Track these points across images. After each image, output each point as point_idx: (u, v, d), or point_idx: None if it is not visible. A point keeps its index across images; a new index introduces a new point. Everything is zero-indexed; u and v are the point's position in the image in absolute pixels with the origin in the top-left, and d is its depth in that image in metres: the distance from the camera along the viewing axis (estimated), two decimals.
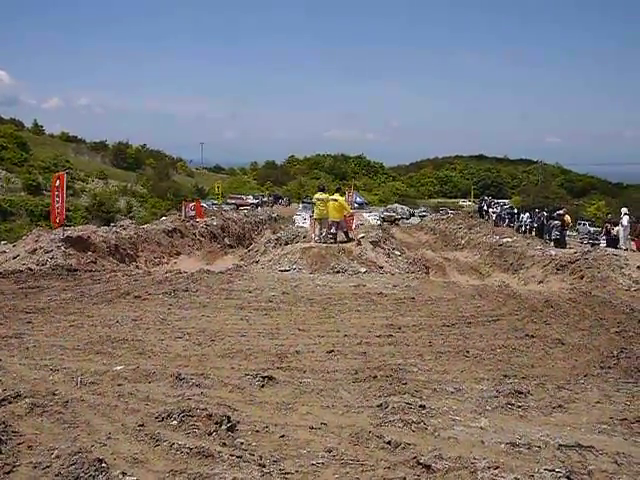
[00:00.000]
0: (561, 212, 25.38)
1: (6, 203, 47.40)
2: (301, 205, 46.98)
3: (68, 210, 22.75)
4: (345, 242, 16.75)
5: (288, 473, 3.64)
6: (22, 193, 52.58)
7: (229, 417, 4.31)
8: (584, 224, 31.08)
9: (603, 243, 24.35)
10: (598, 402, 5.16)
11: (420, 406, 4.79)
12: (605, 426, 4.56)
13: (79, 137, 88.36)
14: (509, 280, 16.52)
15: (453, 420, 4.59)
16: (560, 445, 4.08)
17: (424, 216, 56.73)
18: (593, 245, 24.57)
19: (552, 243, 23.76)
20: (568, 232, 26.95)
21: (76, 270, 13.20)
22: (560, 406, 5.00)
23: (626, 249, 19.70)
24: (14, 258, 14.49)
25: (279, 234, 23.76)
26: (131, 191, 64.42)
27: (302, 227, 21.14)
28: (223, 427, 4.17)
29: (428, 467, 3.70)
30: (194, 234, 24.47)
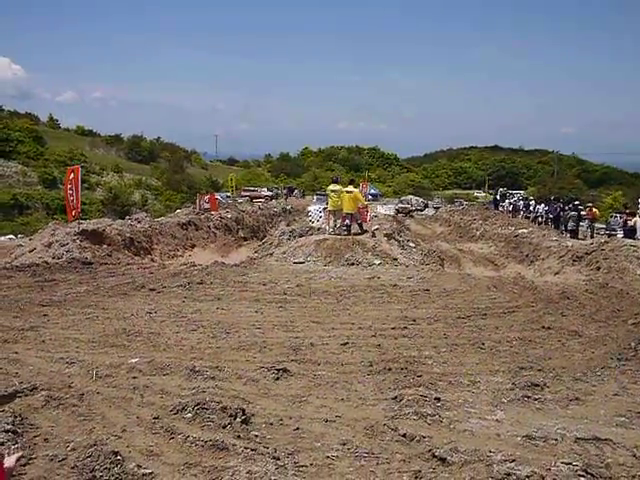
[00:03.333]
0: (577, 203, 25.16)
1: (22, 197, 47.75)
2: (315, 197, 46.67)
3: (83, 203, 22.90)
4: (359, 234, 16.71)
5: (303, 466, 3.63)
6: (38, 187, 52.96)
7: (244, 410, 4.31)
8: (616, 216, 30.29)
9: (620, 234, 24.10)
10: (616, 394, 5.11)
11: (435, 399, 4.77)
12: (623, 419, 4.52)
13: (94, 131, 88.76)
14: (525, 272, 16.41)
15: (468, 413, 4.56)
16: (577, 438, 4.04)
17: (439, 207, 56.50)
18: (610, 236, 24.31)
19: (568, 234, 23.57)
20: (597, 224, 26.57)
21: (91, 263, 13.28)
22: (577, 399, 4.96)
23: None
24: (30, 251, 14.59)
25: (293, 226, 23.75)
26: (146, 184, 64.62)
27: (318, 223, 20.98)
28: (237, 420, 4.17)
29: (443, 460, 3.68)
30: (208, 227, 24.52)
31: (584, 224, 25.25)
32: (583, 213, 25.29)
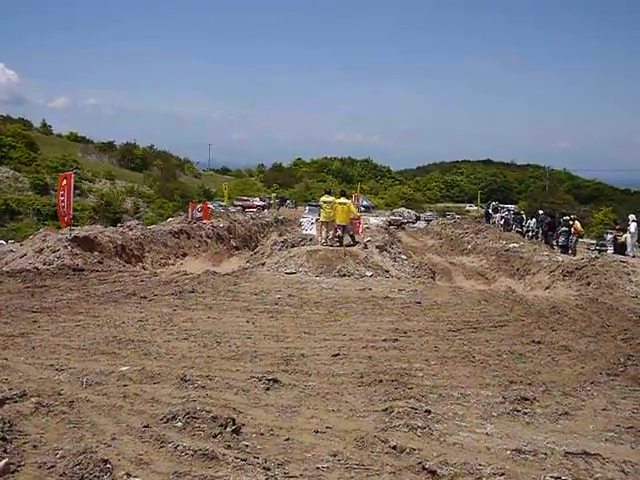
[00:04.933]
0: (568, 218, 25.25)
1: (14, 202, 47.61)
2: (307, 208, 46.60)
3: (75, 210, 22.79)
4: (351, 245, 16.74)
5: (293, 477, 3.63)
6: (30, 192, 52.84)
7: (234, 419, 4.30)
8: (610, 233, 30.15)
9: (610, 250, 24.21)
10: (605, 409, 5.14)
11: (425, 411, 4.78)
12: (612, 434, 4.54)
13: (87, 137, 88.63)
14: (515, 286, 16.45)
15: (459, 426, 4.57)
16: (566, 452, 4.06)
17: (430, 220, 56.62)
18: (600, 252, 24.40)
19: (559, 249, 23.65)
20: (578, 239, 26.50)
21: (82, 270, 13.23)
22: (566, 413, 4.98)
23: (633, 256, 19.54)
24: (21, 257, 14.55)
25: (285, 236, 23.75)
26: (138, 192, 64.54)
27: (309, 233, 20.84)
28: (228, 429, 4.17)
29: (433, 473, 3.68)
30: (200, 235, 24.50)
31: (573, 238, 25.28)
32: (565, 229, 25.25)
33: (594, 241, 31.39)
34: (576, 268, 16.02)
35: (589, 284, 14.60)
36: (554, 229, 26.95)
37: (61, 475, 3.44)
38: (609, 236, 28.87)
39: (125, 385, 5.24)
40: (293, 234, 24.87)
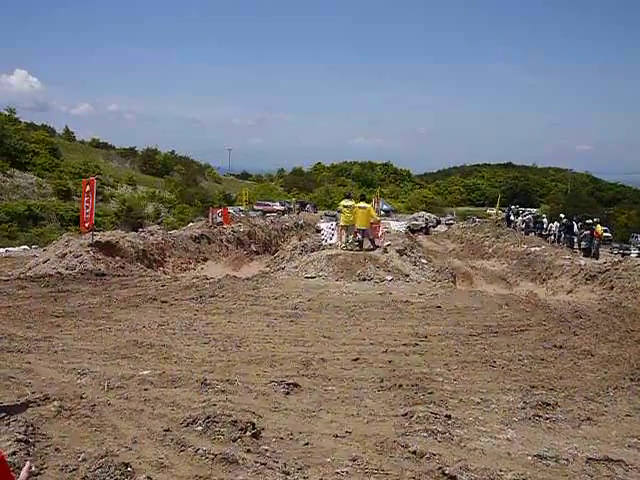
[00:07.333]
0: (590, 222, 24.99)
1: (37, 208, 48.07)
2: (323, 217, 45.58)
3: (97, 215, 22.96)
4: (371, 250, 16.69)
5: None
6: (53, 198, 53.29)
7: (254, 424, 4.32)
8: (636, 236, 29.67)
9: (634, 253, 23.92)
10: (628, 415, 5.08)
11: (446, 416, 4.75)
12: (635, 440, 4.48)
13: (109, 143, 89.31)
14: (537, 290, 16.30)
15: (479, 431, 4.54)
16: (589, 459, 4.01)
17: (451, 224, 56.30)
18: (623, 255, 24.10)
19: (581, 253, 23.41)
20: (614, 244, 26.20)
21: (104, 275, 13.34)
22: (589, 419, 4.93)
23: None
24: (44, 262, 14.69)
25: (305, 241, 23.74)
26: (159, 197, 64.91)
27: (332, 241, 20.63)
28: (248, 434, 4.18)
29: (453, 478, 3.66)
30: (221, 240, 24.58)
31: (595, 242, 25.02)
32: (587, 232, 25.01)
33: (617, 244, 31.00)
34: (599, 272, 15.84)
35: (612, 288, 14.43)
36: (572, 232, 26.76)
37: (83, 478, 3.48)
38: (636, 239, 28.49)
39: (146, 389, 5.28)
40: (313, 238, 24.86)
